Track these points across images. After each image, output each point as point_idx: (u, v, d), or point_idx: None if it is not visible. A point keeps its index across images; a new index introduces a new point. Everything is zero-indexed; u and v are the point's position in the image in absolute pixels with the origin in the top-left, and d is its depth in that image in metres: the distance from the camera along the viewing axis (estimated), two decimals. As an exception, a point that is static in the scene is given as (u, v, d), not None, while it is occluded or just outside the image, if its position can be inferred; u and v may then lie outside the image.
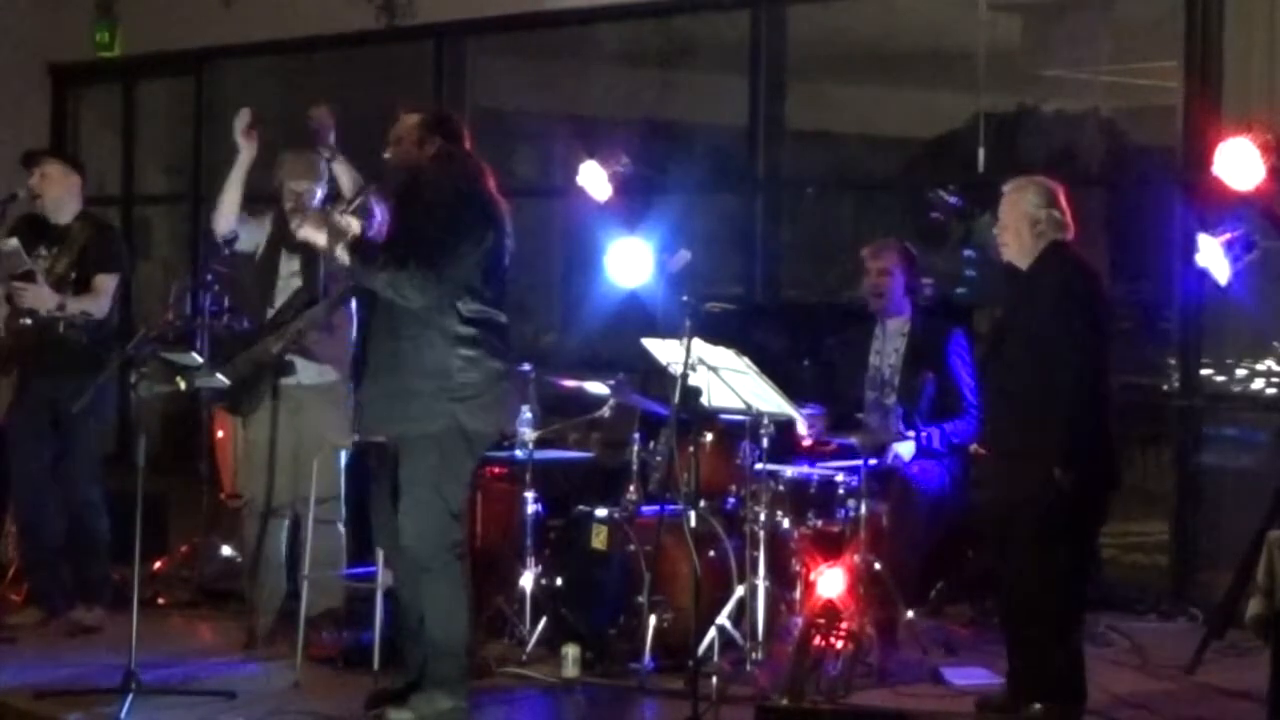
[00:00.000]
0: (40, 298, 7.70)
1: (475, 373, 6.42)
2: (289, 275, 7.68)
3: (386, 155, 6.63)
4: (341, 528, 7.61)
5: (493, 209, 6.53)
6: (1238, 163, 7.17)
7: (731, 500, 7.47)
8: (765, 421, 7.22)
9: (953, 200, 9.80)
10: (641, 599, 7.05)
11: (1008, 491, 6.46)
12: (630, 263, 8.58)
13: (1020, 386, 6.42)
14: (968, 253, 10.64)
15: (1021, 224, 6.53)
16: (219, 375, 7.58)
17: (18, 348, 7.80)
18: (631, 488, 7.53)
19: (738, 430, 7.32)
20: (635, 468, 7.58)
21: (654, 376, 8.06)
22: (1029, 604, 6.48)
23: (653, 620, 7.01)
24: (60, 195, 7.93)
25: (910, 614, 7.36)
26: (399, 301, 6.33)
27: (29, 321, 7.74)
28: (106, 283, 7.84)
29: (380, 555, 6.96)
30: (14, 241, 7.81)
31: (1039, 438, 6.30)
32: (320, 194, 7.74)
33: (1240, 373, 8.71)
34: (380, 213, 6.88)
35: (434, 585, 6.49)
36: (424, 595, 6.52)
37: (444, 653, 6.51)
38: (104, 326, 7.81)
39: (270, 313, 7.68)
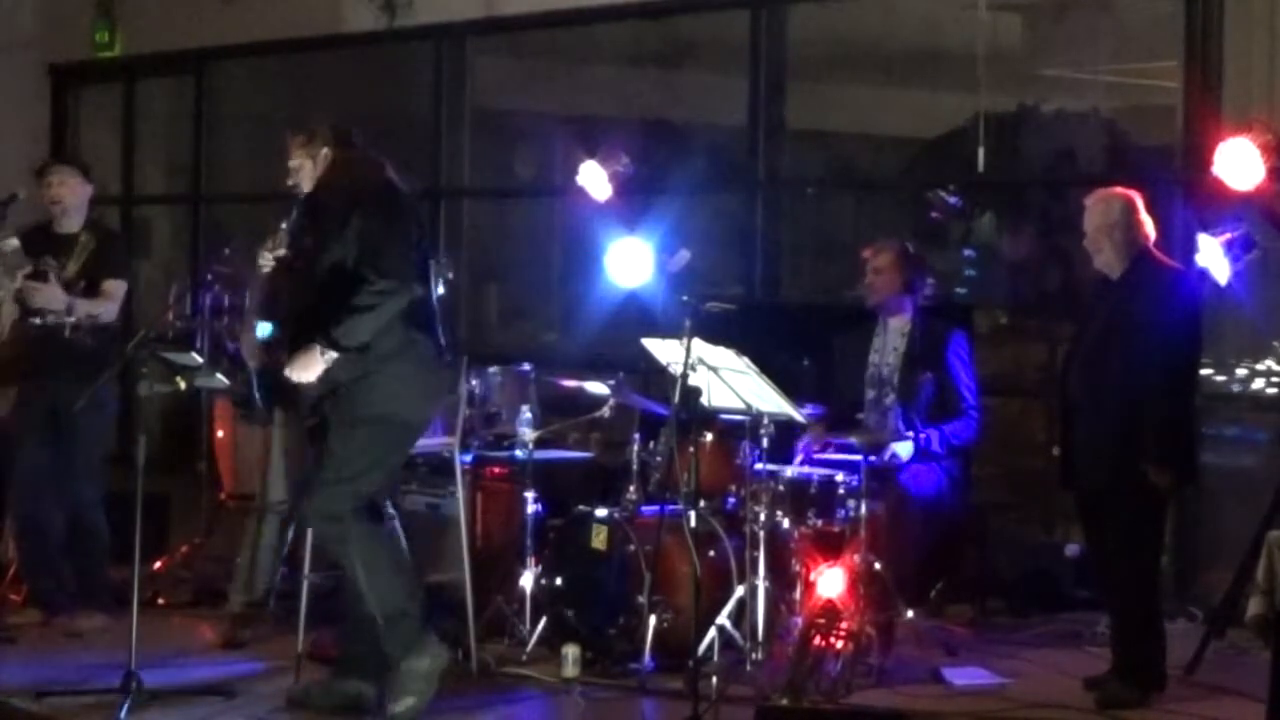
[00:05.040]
0: (53, 297, 7.71)
1: (407, 358, 6.46)
2: None
3: (290, 182, 6.67)
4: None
5: (403, 198, 6.58)
6: (1238, 163, 7.18)
7: (731, 500, 7.47)
8: (765, 421, 7.22)
9: (953, 200, 9.80)
10: (641, 599, 7.05)
11: (1103, 485, 6.77)
12: (630, 263, 8.58)
13: (1115, 387, 6.70)
14: (968, 253, 10.64)
15: (1114, 234, 6.82)
16: (219, 375, 7.58)
17: (22, 351, 7.80)
18: (631, 488, 7.53)
19: (738, 430, 7.32)
20: (635, 468, 7.57)
21: (654, 376, 8.07)
22: (1123, 588, 6.81)
23: (653, 620, 7.00)
24: (75, 202, 7.95)
25: (910, 614, 7.36)
26: (366, 306, 6.33)
27: (39, 321, 7.75)
28: (116, 288, 7.86)
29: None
30: (14, 241, 7.83)
31: (1133, 436, 6.63)
32: None
33: (1240, 373, 8.71)
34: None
35: (350, 552, 6.43)
36: (347, 568, 6.48)
37: (390, 617, 6.43)
38: (108, 330, 7.81)
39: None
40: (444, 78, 11.31)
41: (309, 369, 6.39)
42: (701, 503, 6.96)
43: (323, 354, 6.35)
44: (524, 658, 7.28)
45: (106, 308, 7.80)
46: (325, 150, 6.63)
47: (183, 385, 7.21)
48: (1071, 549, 8.40)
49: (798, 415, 7.31)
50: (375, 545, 6.49)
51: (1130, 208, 6.83)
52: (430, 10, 11.20)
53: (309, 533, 7.36)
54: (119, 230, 8.46)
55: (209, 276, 9.17)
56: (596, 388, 7.88)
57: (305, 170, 6.66)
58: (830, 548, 7.29)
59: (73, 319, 7.71)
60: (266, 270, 6.70)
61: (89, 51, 13.11)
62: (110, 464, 8.05)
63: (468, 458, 7.82)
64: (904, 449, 7.64)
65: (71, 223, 7.94)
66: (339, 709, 6.58)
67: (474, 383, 7.92)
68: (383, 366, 6.41)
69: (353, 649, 6.64)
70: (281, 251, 6.64)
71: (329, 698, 6.63)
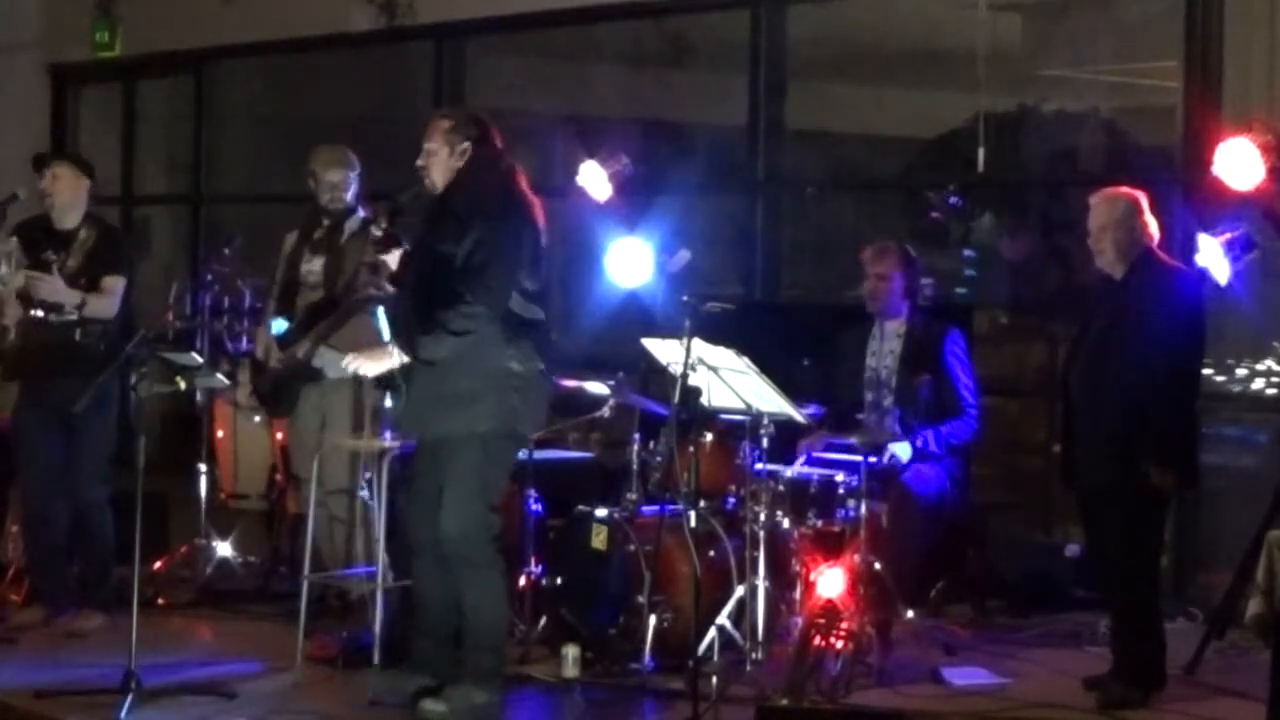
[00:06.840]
0: (55, 290, 7.70)
1: (522, 372, 6.46)
2: (310, 277, 7.78)
3: (420, 163, 6.57)
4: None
5: (529, 210, 6.52)
6: (1238, 163, 7.17)
7: (731, 500, 7.46)
8: (765, 421, 7.22)
9: (952, 200, 9.81)
10: (641, 599, 7.04)
11: (1104, 485, 6.77)
12: (630, 263, 8.58)
13: (1117, 388, 6.70)
14: (968, 253, 10.64)
15: (1117, 233, 6.81)
16: (219, 375, 7.60)
17: (32, 351, 7.79)
18: (631, 488, 7.53)
19: (738, 430, 7.32)
20: (635, 468, 7.57)
21: (654, 376, 8.07)
22: (1123, 588, 6.82)
23: (653, 620, 7.00)
24: (70, 198, 7.92)
25: (910, 614, 7.36)
26: (459, 331, 6.32)
27: (41, 314, 7.74)
28: (115, 284, 7.81)
29: (381, 555, 6.97)
30: (13, 241, 7.84)
31: (1134, 436, 6.63)
32: (354, 185, 7.78)
33: (1240, 373, 8.71)
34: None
35: (476, 578, 6.50)
36: (466, 589, 6.52)
37: (484, 647, 6.52)
38: (110, 329, 7.74)
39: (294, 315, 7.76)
40: (444, 78, 11.31)
41: (376, 366, 6.46)
42: (701, 503, 6.96)
43: (394, 357, 6.40)
44: (524, 658, 7.28)
45: (107, 304, 7.77)
46: (466, 144, 6.51)
47: (183, 385, 7.21)
48: (1071, 549, 8.40)
49: (798, 415, 7.31)
50: (500, 576, 6.57)
51: (1134, 208, 6.83)
52: (430, 10, 11.20)
53: (308, 529, 7.40)
54: (118, 226, 8.38)
55: (209, 276, 9.18)
56: (596, 388, 7.88)
57: (439, 157, 6.52)
58: (830, 548, 7.29)
59: (81, 313, 7.69)
60: (378, 236, 6.64)
61: (89, 51, 13.11)
62: (110, 464, 8.05)
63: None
64: (903, 450, 7.64)
65: (68, 218, 7.91)
66: (410, 703, 6.59)
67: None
68: (502, 382, 6.41)
69: (423, 648, 6.64)
70: (396, 256, 6.59)
71: (404, 696, 6.63)
